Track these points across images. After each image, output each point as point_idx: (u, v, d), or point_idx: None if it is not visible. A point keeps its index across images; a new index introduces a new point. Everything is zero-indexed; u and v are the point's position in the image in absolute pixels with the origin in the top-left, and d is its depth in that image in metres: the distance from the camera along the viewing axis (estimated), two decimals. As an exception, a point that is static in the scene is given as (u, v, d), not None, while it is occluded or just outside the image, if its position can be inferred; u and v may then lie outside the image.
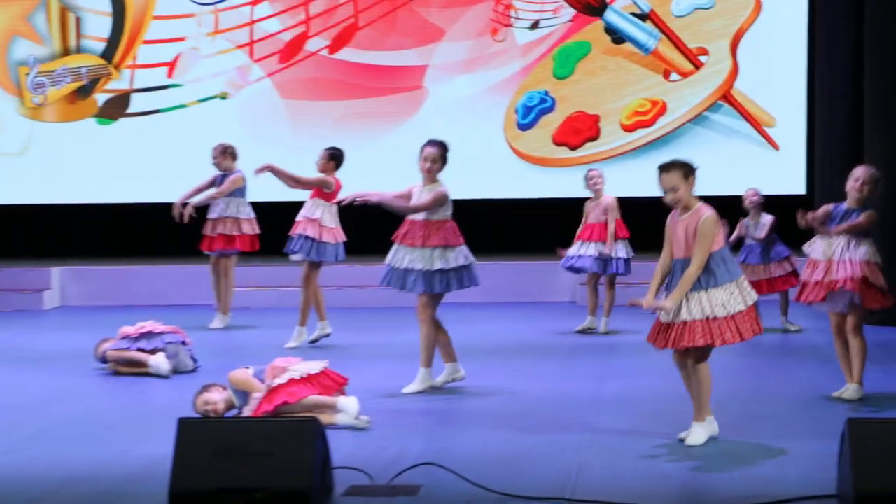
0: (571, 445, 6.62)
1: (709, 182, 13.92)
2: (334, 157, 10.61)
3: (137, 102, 14.71)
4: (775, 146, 14.05)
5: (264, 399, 7.12)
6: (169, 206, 14.63)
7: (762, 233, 10.75)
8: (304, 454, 5.54)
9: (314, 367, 7.33)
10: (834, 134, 12.87)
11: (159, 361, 8.89)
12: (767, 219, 10.83)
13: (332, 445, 5.80)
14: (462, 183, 14.37)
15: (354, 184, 14.36)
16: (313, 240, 10.38)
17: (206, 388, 7.34)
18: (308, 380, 7.23)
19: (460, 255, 8.30)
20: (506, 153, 14.38)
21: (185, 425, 5.59)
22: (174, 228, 13.80)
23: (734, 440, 6.71)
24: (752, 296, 6.64)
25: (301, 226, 10.45)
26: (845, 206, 7.88)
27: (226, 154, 11.61)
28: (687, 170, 6.70)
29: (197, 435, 5.58)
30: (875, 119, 11.28)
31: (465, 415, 7.59)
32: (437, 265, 8.17)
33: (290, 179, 10.40)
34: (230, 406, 7.27)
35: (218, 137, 14.49)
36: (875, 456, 5.18)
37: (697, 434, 6.65)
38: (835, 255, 7.76)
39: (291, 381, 7.18)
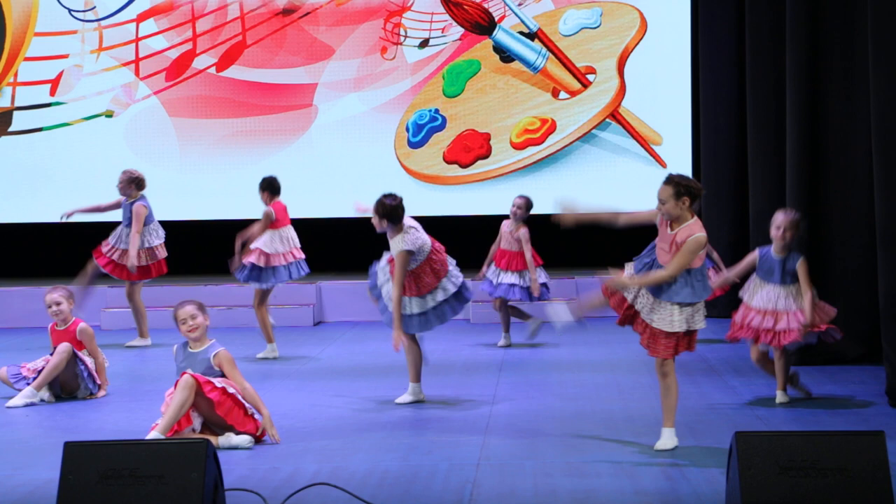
0: (465, 463, 6.62)
1: (597, 199, 14.17)
2: (267, 188, 11.00)
3: (19, 120, 14.43)
4: (662, 164, 14.25)
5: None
6: (52, 225, 14.41)
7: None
8: (195, 477, 5.45)
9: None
10: (718, 151, 13.10)
11: (25, 394, 8.67)
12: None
13: (225, 467, 5.72)
14: (352, 200, 14.38)
15: (235, 200, 14.32)
16: (260, 268, 10.81)
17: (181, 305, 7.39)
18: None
19: (438, 293, 8.43)
20: (396, 171, 14.38)
21: (70, 449, 5.47)
22: (58, 248, 13.61)
23: (625, 456, 6.76)
24: (702, 323, 6.87)
25: (250, 255, 10.83)
26: (773, 253, 8.08)
27: (131, 183, 11.48)
28: (680, 190, 6.77)
29: (84, 458, 5.45)
30: (757, 135, 11.50)
31: (359, 433, 7.54)
32: (416, 310, 8.37)
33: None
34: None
35: (103, 156, 14.33)
36: (761, 467, 5.26)
37: (666, 439, 6.87)
38: (779, 305, 8.07)
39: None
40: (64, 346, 8.74)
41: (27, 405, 8.55)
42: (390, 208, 8.41)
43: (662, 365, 6.88)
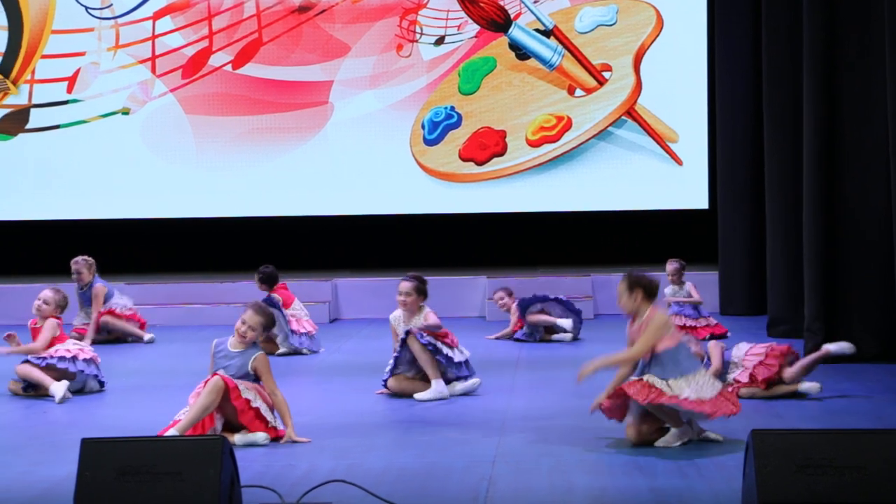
0: (481, 460, 6.62)
1: (613, 197, 14.21)
2: (266, 280, 11.02)
3: (37, 118, 14.48)
4: (678, 161, 14.23)
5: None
6: (69, 223, 14.48)
7: (695, 295, 11.31)
8: (212, 473, 5.45)
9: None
10: (735, 149, 13.08)
11: (57, 390, 8.69)
12: (689, 284, 11.43)
13: (241, 464, 5.73)
14: (368, 198, 14.42)
15: (251, 198, 14.34)
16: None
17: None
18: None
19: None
20: (412, 168, 14.39)
21: (88, 445, 5.48)
22: (75, 245, 13.64)
23: (641, 454, 6.76)
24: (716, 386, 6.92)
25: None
26: None
27: (91, 269, 11.53)
28: (632, 283, 6.97)
29: (101, 455, 5.47)
30: (774, 132, 11.48)
31: (375, 430, 7.55)
32: None
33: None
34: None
35: (120, 153, 14.39)
36: (778, 465, 5.25)
37: (670, 437, 6.89)
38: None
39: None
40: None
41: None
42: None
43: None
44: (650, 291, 6.96)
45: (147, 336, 11.77)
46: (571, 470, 6.40)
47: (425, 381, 8.54)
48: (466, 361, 8.72)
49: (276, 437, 7.15)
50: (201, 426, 7.00)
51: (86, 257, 11.74)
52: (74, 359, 8.89)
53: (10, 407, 8.61)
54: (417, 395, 8.50)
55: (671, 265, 11.39)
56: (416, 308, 8.73)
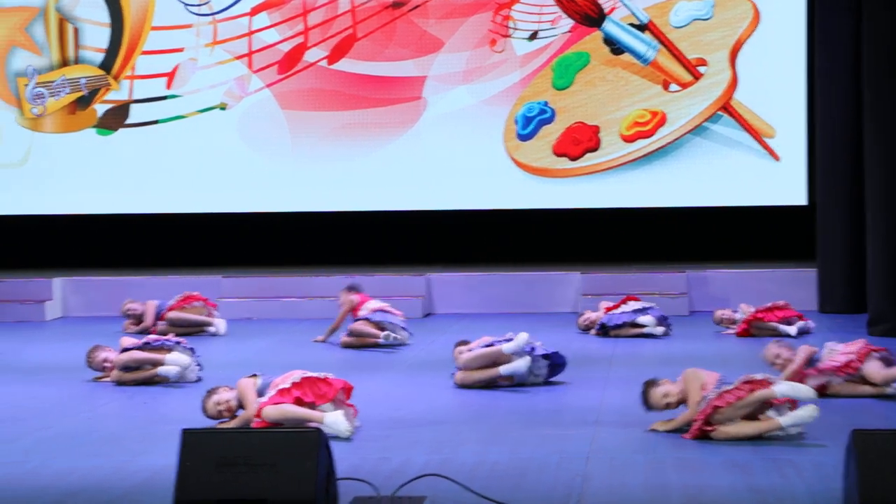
0: (575, 456, 6.60)
1: (708, 193, 14.06)
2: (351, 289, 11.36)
3: (136, 113, 14.71)
4: (775, 157, 14.05)
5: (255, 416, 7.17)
6: (168, 216, 14.69)
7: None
8: (308, 465, 5.51)
9: (308, 373, 7.34)
10: (835, 144, 12.88)
11: (175, 358, 8.91)
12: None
13: (336, 456, 5.78)
14: (461, 193, 14.44)
15: (346, 192, 14.44)
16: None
17: (213, 391, 7.39)
18: (298, 386, 7.22)
19: None
20: (505, 164, 14.37)
21: (188, 436, 5.56)
22: (173, 239, 13.86)
23: (738, 452, 6.69)
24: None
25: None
26: None
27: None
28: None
29: (201, 446, 5.54)
30: (874, 128, 11.29)
31: (468, 425, 7.57)
32: None
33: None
34: (238, 405, 7.31)
35: (217, 148, 14.56)
36: (880, 466, 5.17)
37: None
38: None
39: (279, 392, 7.19)
40: None
41: None
42: None
43: None
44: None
45: (217, 324, 11.88)
46: (667, 467, 6.35)
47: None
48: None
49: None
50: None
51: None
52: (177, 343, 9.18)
53: (111, 397, 8.76)
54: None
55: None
56: None
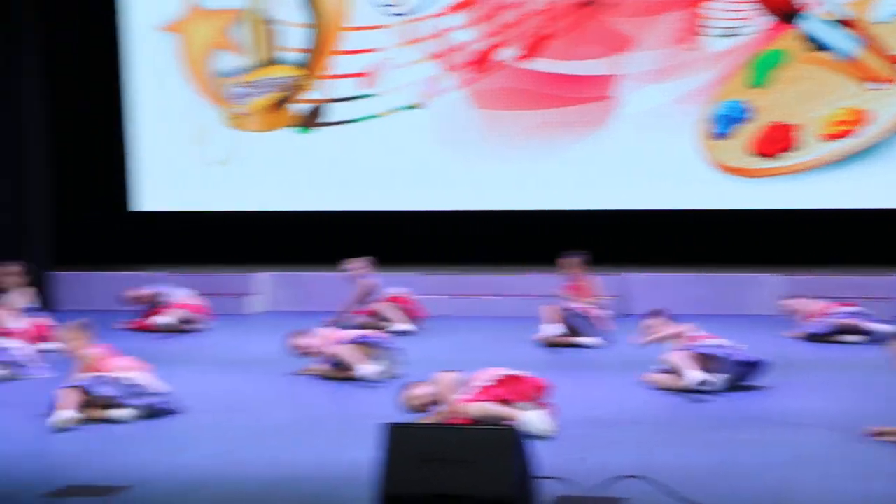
0: (777, 461, 6.48)
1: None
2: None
3: (332, 112, 14.99)
4: (985, 155, 13.53)
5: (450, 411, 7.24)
6: (362, 214, 14.93)
7: None
8: (505, 463, 5.55)
9: (508, 371, 7.38)
10: None
11: (368, 370, 9.06)
12: None
13: (536, 455, 5.80)
14: (655, 193, 14.30)
15: (538, 191, 14.44)
16: None
17: (412, 386, 7.49)
18: (500, 384, 7.26)
19: None
20: (700, 163, 14.18)
21: (393, 431, 5.66)
22: (366, 236, 14.07)
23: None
24: None
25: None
26: None
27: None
28: None
29: (404, 441, 5.64)
30: None
31: (668, 426, 7.49)
32: None
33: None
34: (436, 400, 7.38)
35: (411, 147, 14.74)
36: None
37: None
38: None
39: (481, 390, 7.24)
40: None
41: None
42: None
43: None
44: None
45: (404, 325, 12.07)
46: (875, 475, 6.19)
47: None
48: None
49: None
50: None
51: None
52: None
53: (316, 391, 8.94)
54: None
55: None
56: None
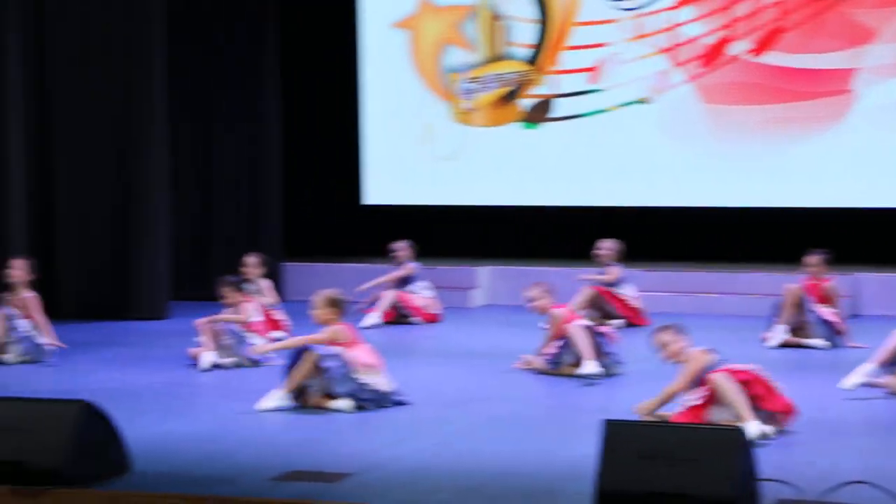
0: None
1: None
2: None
3: (560, 107, 14.97)
4: None
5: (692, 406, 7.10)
6: (587, 209, 14.87)
7: None
8: (730, 463, 5.44)
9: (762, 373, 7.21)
10: None
11: (591, 368, 9.01)
12: None
13: (761, 457, 5.66)
14: (891, 191, 13.78)
15: (774, 188, 14.10)
16: None
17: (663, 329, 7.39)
18: (755, 382, 7.10)
19: None
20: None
21: (611, 427, 5.61)
22: (589, 232, 13.98)
23: None
24: None
25: None
26: None
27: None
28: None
29: (623, 437, 5.59)
30: None
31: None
32: None
33: None
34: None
35: (638, 143, 14.60)
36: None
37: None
38: None
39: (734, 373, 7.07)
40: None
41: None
42: None
43: None
44: None
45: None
46: None
47: None
48: None
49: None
50: None
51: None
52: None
53: (534, 386, 8.96)
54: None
55: None
56: None
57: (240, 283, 10.42)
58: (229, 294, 10.06)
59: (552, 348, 9.27)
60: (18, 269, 10.09)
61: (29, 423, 5.88)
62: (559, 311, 9.38)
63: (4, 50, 11.32)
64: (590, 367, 8.99)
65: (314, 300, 8.03)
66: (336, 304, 8.01)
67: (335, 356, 7.79)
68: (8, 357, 9.82)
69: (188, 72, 14.17)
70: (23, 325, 9.87)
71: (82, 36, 12.71)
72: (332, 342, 7.87)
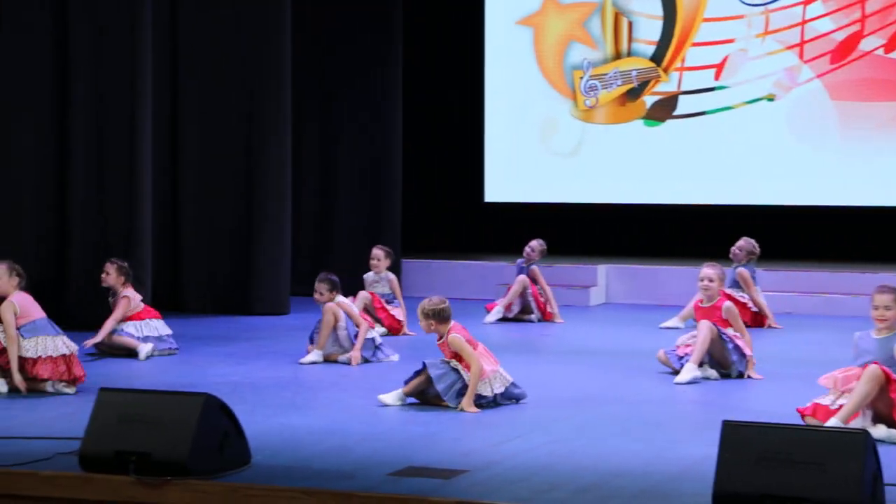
0: None
1: None
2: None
3: (684, 104, 14.82)
4: None
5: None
6: (710, 207, 14.69)
7: None
8: (855, 467, 5.30)
9: None
10: None
11: (689, 373, 8.84)
12: None
13: (884, 460, 5.52)
14: None
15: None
16: None
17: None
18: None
19: None
20: None
21: (729, 428, 5.51)
22: (711, 230, 13.81)
23: None
24: None
25: None
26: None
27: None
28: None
29: (741, 438, 5.48)
30: None
31: None
32: None
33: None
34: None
35: (764, 140, 14.38)
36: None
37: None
38: None
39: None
40: (706, 324, 8.80)
41: (691, 381, 8.73)
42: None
43: None
44: None
45: None
46: None
47: None
48: None
49: None
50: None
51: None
52: None
53: (651, 384, 8.86)
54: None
55: None
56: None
57: (336, 283, 10.05)
58: (324, 292, 9.79)
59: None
60: (107, 273, 10.00)
61: (155, 415, 6.00)
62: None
63: (140, 59, 11.51)
64: (703, 371, 8.87)
65: (419, 312, 8.01)
66: (435, 315, 7.89)
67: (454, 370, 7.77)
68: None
69: (313, 72, 14.32)
70: (150, 325, 10.00)
71: (212, 44, 12.93)
72: (456, 355, 7.82)
